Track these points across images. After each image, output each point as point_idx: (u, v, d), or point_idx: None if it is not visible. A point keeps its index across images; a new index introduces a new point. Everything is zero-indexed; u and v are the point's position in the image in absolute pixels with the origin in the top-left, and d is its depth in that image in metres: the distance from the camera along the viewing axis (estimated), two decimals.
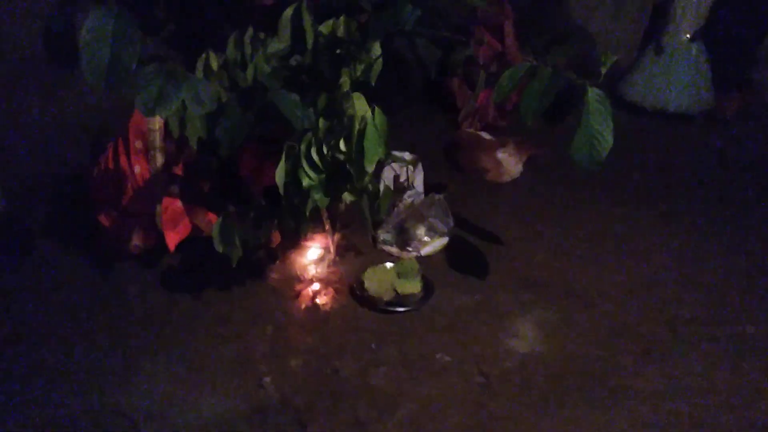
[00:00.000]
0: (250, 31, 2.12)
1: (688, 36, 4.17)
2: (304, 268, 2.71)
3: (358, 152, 1.71)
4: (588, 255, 2.86)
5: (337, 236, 2.75)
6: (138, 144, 2.34)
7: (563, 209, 3.24)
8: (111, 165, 2.40)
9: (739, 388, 2.13)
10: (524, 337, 2.37)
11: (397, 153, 2.97)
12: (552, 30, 4.50)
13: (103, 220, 2.49)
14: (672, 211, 3.24)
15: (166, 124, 2.18)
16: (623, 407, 2.04)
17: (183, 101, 1.60)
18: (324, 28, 1.86)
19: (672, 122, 4.31)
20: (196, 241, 2.51)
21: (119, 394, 2.04)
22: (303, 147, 1.73)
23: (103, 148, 2.58)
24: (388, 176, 2.98)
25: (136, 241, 2.52)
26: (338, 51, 1.91)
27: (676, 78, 4.23)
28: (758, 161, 3.84)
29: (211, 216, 2.57)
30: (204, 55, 2.07)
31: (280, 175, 1.76)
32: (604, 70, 1.76)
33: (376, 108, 1.74)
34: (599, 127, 1.77)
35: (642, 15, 4.72)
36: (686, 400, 2.08)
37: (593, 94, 1.76)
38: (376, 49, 2.01)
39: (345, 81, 1.75)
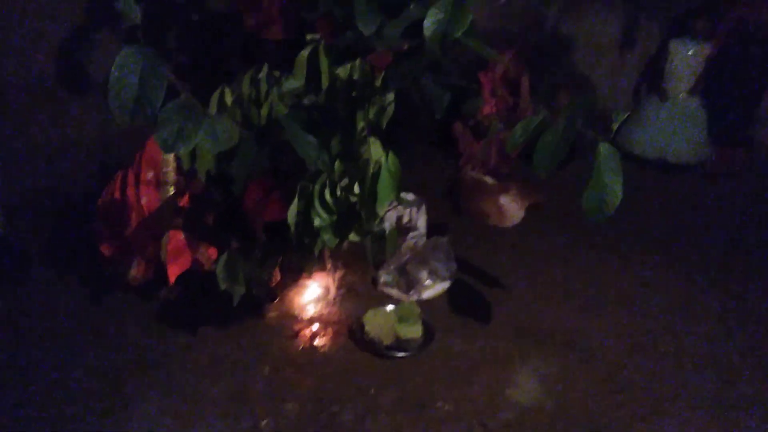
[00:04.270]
0: (265, 68, 2.14)
1: (685, 90, 4.28)
2: (304, 307, 2.68)
3: (370, 195, 1.71)
4: (588, 305, 2.85)
5: (338, 275, 2.73)
6: (150, 175, 2.33)
7: (564, 257, 3.24)
8: (117, 195, 2.38)
9: None
10: (525, 388, 2.33)
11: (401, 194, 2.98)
12: (558, 77, 4.60)
13: (105, 249, 2.46)
14: (670, 262, 3.24)
15: (177, 157, 2.18)
16: None
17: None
18: (342, 71, 1.88)
19: (669, 173, 4.35)
20: (193, 275, 2.49)
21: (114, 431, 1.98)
22: (317, 187, 1.73)
23: (109, 175, 2.56)
24: (391, 217, 2.98)
25: (135, 272, 2.49)
26: (354, 93, 1.93)
27: (675, 129, 4.31)
28: (756, 215, 3.87)
29: (212, 250, 2.56)
30: (218, 90, 2.09)
31: (292, 213, 1.75)
32: (615, 126, 1.78)
33: (390, 152, 1.75)
34: (610, 181, 1.78)
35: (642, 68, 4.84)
36: None
37: (604, 148, 1.78)
38: (390, 94, 2.04)
39: (362, 124, 1.75)
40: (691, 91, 4.30)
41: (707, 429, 2.16)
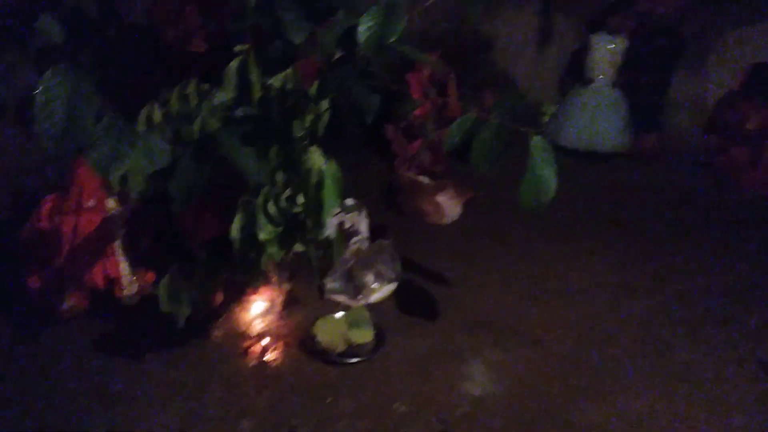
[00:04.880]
0: (193, 82, 2.09)
1: (608, 83, 4.50)
2: (250, 323, 2.62)
3: (315, 204, 1.70)
4: (530, 293, 2.94)
5: (283, 288, 2.69)
6: (91, 202, 2.22)
7: (503, 249, 3.34)
8: (45, 224, 2.25)
9: (675, 415, 2.23)
10: (478, 379, 2.38)
11: None
12: (481, 76, 4.74)
13: (33, 282, 2.31)
14: (605, 245, 3.41)
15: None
16: None
17: None
18: (274, 81, 1.86)
19: (597, 161, 4.57)
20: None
21: None
22: (260, 201, 1.70)
23: (29, 205, 2.42)
24: (332, 223, 2.96)
25: (69, 303, 2.36)
26: (288, 103, 1.91)
27: (601, 120, 4.52)
28: (675, 194, 4.13)
29: (150, 275, 2.48)
30: (146, 108, 2.02)
31: (235, 229, 1.72)
32: (545, 119, 1.85)
33: (331, 160, 1.75)
34: (544, 172, 1.86)
35: (560, 63, 5.05)
36: (629, 429, 2.15)
37: (537, 141, 1.85)
38: (325, 102, 2.03)
39: (302, 134, 1.74)
40: (614, 83, 4.54)
41: (651, 400, 2.29)
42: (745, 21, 4.70)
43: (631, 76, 4.53)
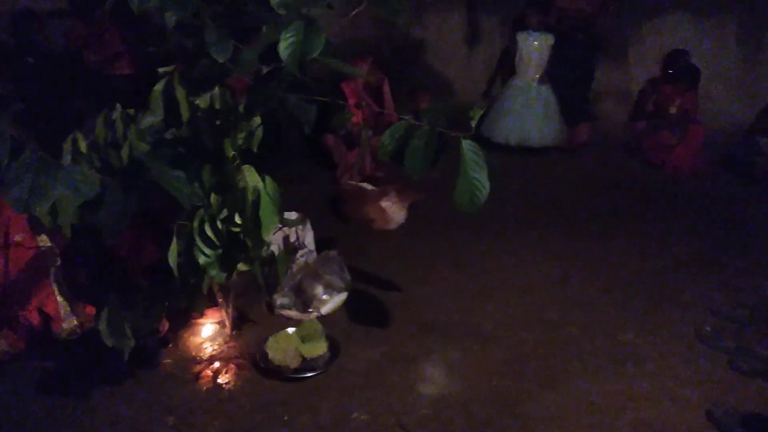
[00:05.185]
0: (118, 108, 2.03)
1: (537, 78, 4.64)
2: (200, 347, 2.57)
3: (253, 223, 1.68)
4: (479, 291, 3.00)
5: (231, 308, 2.65)
6: (18, 237, 2.12)
7: (449, 249, 3.39)
8: None
9: (625, 394, 2.32)
10: (435, 381, 2.41)
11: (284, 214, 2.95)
12: (415, 80, 4.81)
13: None
14: (543, 239, 3.51)
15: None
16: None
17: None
18: (201, 101, 1.83)
19: (532, 155, 4.71)
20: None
21: None
22: (196, 224, 1.67)
23: None
24: (277, 238, 2.94)
25: (4, 345, 2.25)
26: (218, 122, 1.88)
27: (532, 115, 4.66)
28: (609, 182, 4.30)
29: (89, 309, 2.39)
30: (70, 137, 1.95)
31: (173, 255, 1.68)
32: (474, 123, 1.88)
33: (267, 177, 1.73)
34: (476, 174, 1.89)
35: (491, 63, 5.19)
36: (583, 414, 2.23)
37: (467, 145, 1.88)
38: (256, 118, 2.01)
39: (233, 153, 1.72)
40: (542, 79, 4.67)
41: (601, 383, 2.38)
42: (658, 11, 4.96)
43: (558, 71, 4.69)
